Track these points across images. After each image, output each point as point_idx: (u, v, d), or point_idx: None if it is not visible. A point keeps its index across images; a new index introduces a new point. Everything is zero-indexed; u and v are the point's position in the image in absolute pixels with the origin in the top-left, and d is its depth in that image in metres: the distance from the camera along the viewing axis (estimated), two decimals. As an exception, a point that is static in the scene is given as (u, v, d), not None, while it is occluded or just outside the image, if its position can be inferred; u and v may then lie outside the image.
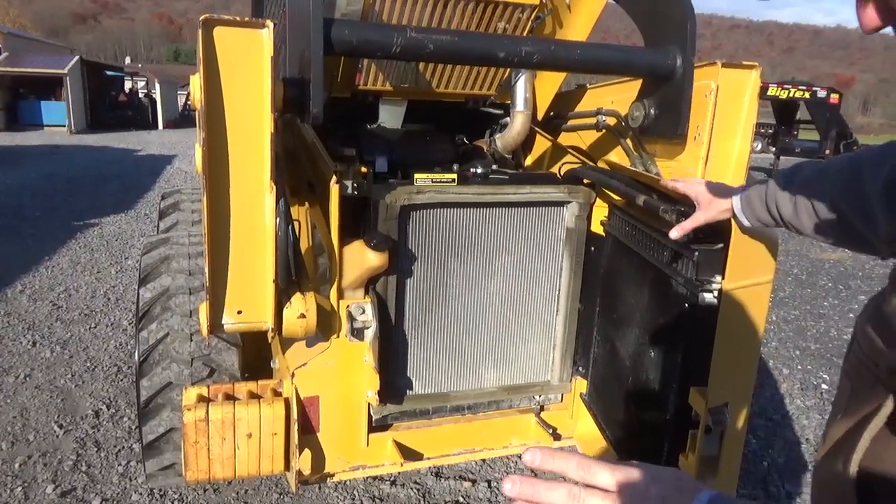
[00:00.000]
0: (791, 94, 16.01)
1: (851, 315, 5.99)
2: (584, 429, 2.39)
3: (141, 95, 30.68)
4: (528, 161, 2.98)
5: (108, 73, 29.98)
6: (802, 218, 1.28)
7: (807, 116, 17.23)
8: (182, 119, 30.73)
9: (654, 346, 1.93)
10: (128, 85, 31.81)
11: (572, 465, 0.70)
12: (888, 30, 0.68)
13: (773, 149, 18.77)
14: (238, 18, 1.53)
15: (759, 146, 22.24)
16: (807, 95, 15.93)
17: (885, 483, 0.57)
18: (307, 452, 2.04)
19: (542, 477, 0.68)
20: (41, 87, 24.38)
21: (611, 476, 0.68)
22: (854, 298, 6.56)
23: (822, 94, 15.85)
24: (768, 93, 15.57)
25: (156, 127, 27.76)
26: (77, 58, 25.42)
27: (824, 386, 4.41)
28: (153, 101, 29.30)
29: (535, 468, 0.71)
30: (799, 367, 4.74)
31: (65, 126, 23.49)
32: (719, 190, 1.57)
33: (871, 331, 0.99)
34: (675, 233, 1.60)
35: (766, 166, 18.17)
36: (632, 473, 0.68)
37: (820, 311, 6.10)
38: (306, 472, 2.03)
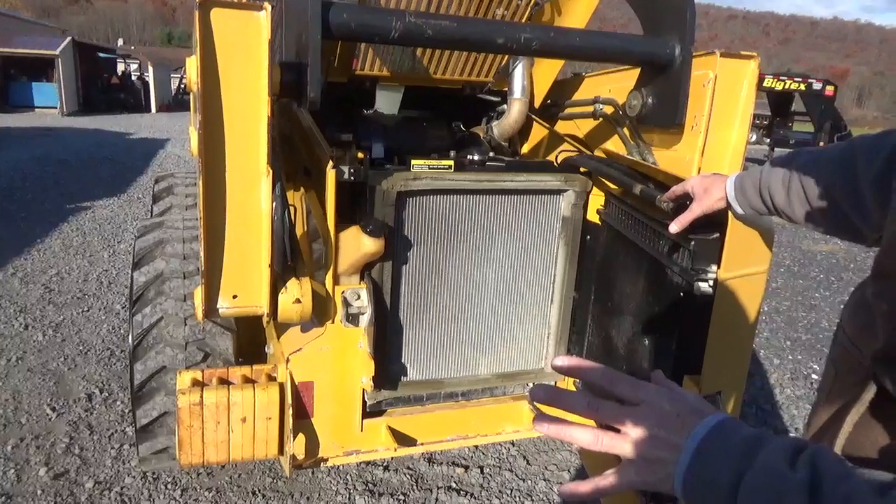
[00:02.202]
0: (786, 86, 16.02)
1: (842, 307, 6.03)
2: (578, 417, 2.41)
3: (134, 78, 30.39)
4: (525, 149, 2.98)
5: (101, 55, 29.64)
6: (795, 205, 1.29)
7: (802, 108, 17.25)
8: (175, 103, 30.45)
9: (648, 334, 1.94)
10: (120, 67, 31.42)
11: (598, 374, 0.75)
12: (883, 22, 0.68)
13: (768, 140, 18.81)
14: (235, 0, 1.51)
15: (754, 137, 22.27)
16: (802, 87, 15.95)
17: (866, 467, 0.60)
18: (301, 437, 2.05)
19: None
20: (32, 69, 24.07)
21: (632, 390, 0.73)
22: (845, 290, 6.61)
23: (817, 86, 15.87)
24: (764, 84, 15.57)
25: (148, 110, 27.53)
26: (69, 39, 25.10)
27: (814, 376, 4.45)
28: (146, 84, 29.02)
29: (565, 372, 0.77)
30: (789, 357, 4.78)
31: (56, 108, 23.23)
32: (714, 180, 1.57)
33: (854, 318, 1.00)
34: (674, 227, 1.61)
35: (761, 157, 18.20)
36: (651, 390, 0.73)
37: (811, 303, 6.14)
38: (300, 456, 2.04)
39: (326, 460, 2.17)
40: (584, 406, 0.74)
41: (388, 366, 2.23)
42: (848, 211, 1.14)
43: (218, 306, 1.67)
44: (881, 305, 0.90)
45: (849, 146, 1.17)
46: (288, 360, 1.97)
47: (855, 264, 7.73)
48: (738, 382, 1.77)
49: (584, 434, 0.73)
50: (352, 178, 1.94)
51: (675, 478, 0.67)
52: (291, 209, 1.81)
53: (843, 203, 1.14)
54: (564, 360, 0.77)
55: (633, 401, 0.72)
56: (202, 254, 1.61)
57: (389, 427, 2.23)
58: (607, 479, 0.72)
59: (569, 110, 2.75)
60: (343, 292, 2.00)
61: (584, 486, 0.73)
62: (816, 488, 0.58)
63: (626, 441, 0.71)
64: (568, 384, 2.46)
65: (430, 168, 2.07)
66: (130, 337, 2.34)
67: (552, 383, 2.47)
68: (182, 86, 31.09)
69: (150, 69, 29.05)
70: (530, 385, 2.43)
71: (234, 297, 1.68)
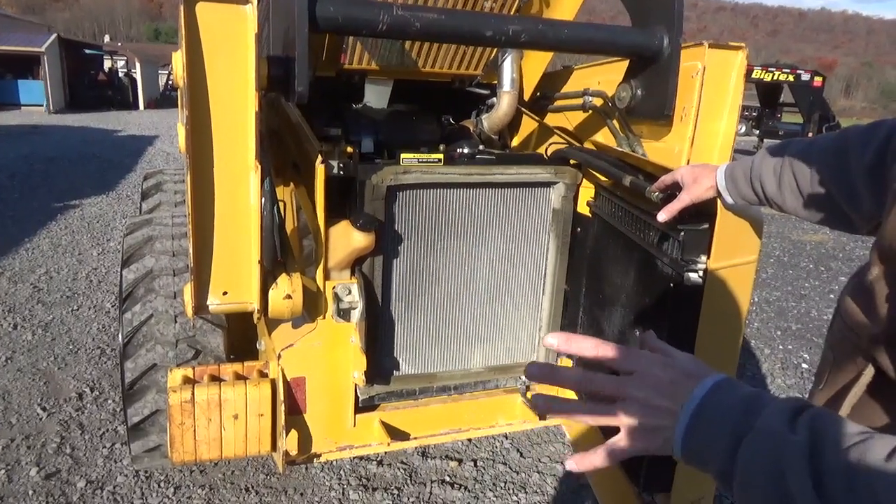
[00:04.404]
0: (775, 77, 16.07)
1: (832, 296, 6.08)
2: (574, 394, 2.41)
3: (121, 75, 30.14)
4: (515, 142, 2.98)
5: (87, 51, 29.37)
6: (786, 195, 1.29)
7: (790, 99, 17.31)
8: (163, 99, 30.27)
9: (639, 325, 1.94)
10: (107, 64, 31.14)
11: (589, 347, 0.75)
12: (870, 12, 0.68)
13: (757, 131, 18.89)
14: (221, -6, 1.49)
15: (743, 129, 22.36)
16: (791, 78, 15.99)
17: None
18: (294, 433, 2.04)
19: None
20: (18, 66, 23.82)
21: (623, 359, 0.74)
22: (835, 279, 6.66)
23: (805, 77, 15.92)
24: (753, 75, 15.61)
25: (136, 107, 27.32)
26: (55, 36, 24.84)
27: (805, 366, 4.48)
28: (133, 81, 28.79)
29: (556, 349, 0.77)
30: (780, 346, 4.81)
31: (43, 105, 23.01)
32: (703, 169, 1.57)
33: (852, 303, 1.01)
34: (662, 215, 1.61)
35: (750, 149, 18.29)
36: (644, 358, 0.73)
37: (801, 292, 6.18)
38: (293, 452, 2.04)
39: (319, 456, 2.17)
40: (578, 380, 0.75)
41: (380, 360, 2.22)
42: (840, 201, 1.15)
43: (208, 303, 1.66)
44: (883, 288, 0.91)
45: (841, 136, 1.17)
46: (279, 356, 1.96)
47: (844, 253, 7.79)
48: (729, 372, 1.78)
49: (579, 409, 0.74)
50: (341, 172, 1.93)
51: (674, 443, 0.68)
52: (281, 204, 1.81)
53: (835, 193, 1.15)
54: (555, 337, 0.77)
55: (626, 370, 0.73)
56: (191, 250, 1.60)
57: (382, 421, 2.23)
58: (609, 449, 0.73)
59: (558, 103, 2.75)
60: (334, 287, 2.00)
61: (588, 458, 0.74)
62: (817, 451, 0.57)
63: (621, 412, 0.71)
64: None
65: (419, 162, 2.06)
66: (120, 335, 2.33)
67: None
68: (170, 82, 30.91)
69: (138, 66, 28.82)
70: (523, 378, 2.43)
71: (224, 293, 1.67)
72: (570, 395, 0.99)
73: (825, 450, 0.57)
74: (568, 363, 2.37)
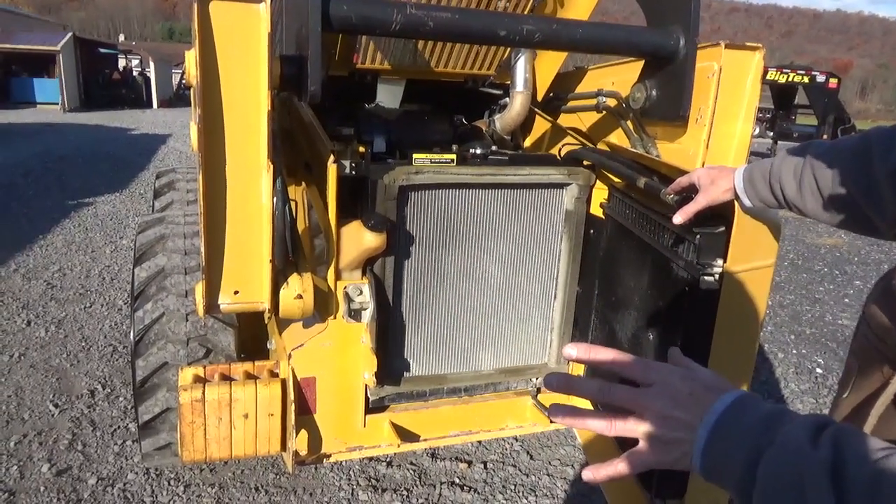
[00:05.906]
0: (790, 79, 15.94)
1: (847, 300, 6.01)
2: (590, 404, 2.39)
3: (135, 74, 30.39)
4: (528, 142, 2.96)
5: (102, 50, 29.65)
6: (806, 198, 1.26)
7: (805, 101, 17.15)
8: (177, 98, 30.49)
9: (653, 329, 1.92)
10: (122, 63, 31.43)
11: (609, 359, 0.75)
12: (887, 14, 0.67)
13: (771, 133, 18.74)
14: (234, -8, 1.49)
15: (757, 130, 22.18)
16: (805, 80, 15.86)
17: None
18: (304, 433, 2.03)
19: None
20: (34, 65, 24.10)
21: (643, 371, 0.73)
22: (849, 283, 6.58)
23: (820, 78, 15.77)
24: (767, 77, 15.50)
25: (150, 106, 27.52)
26: (70, 34, 25.08)
27: (819, 370, 4.43)
28: (147, 80, 29.02)
29: (575, 359, 0.77)
30: (794, 351, 4.76)
31: (58, 104, 23.24)
32: (720, 171, 1.55)
33: (878, 309, 0.99)
34: (678, 217, 1.58)
35: (764, 151, 18.16)
36: (664, 370, 0.73)
37: (815, 296, 6.11)
38: (303, 452, 2.03)
39: (329, 456, 2.16)
40: (596, 391, 0.74)
41: (390, 361, 2.22)
42: (862, 204, 1.12)
43: (219, 302, 1.66)
44: None
45: (864, 138, 1.14)
46: (290, 356, 1.96)
47: (859, 258, 7.70)
48: (744, 377, 1.76)
49: (597, 421, 0.73)
50: (353, 172, 1.93)
51: (693, 456, 0.67)
52: (292, 204, 1.80)
53: (858, 196, 1.12)
54: (574, 348, 0.76)
55: (645, 382, 0.72)
56: (203, 249, 1.60)
57: (392, 423, 2.22)
58: (625, 461, 0.72)
59: (572, 103, 2.73)
60: (345, 287, 1.99)
61: (604, 469, 0.73)
62: (839, 467, 0.56)
63: (639, 424, 0.70)
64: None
65: (431, 162, 2.05)
66: (132, 333, 2.34)
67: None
68: (183, 81, 31.12)
69: (152, 65, 29.04)
70: (533, 380, 2.42)
71: (236, 292, 1.67)
72: (587, 404, 0.98)
73: (848, 466, 0.56)
74: (581, 370, 2.35)
